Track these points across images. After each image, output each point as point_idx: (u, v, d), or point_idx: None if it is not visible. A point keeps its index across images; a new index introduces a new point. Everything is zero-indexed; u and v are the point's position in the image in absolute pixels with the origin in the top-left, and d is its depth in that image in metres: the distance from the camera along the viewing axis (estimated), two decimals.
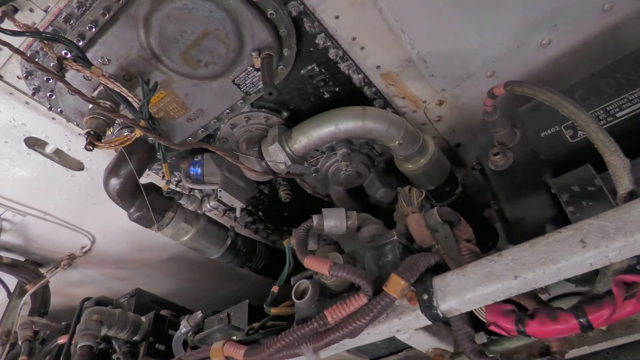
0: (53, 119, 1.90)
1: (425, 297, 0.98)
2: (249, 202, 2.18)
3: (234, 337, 1.29)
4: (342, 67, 1.75)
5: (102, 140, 1.48)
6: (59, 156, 2.11)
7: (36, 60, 1.61)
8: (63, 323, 2.48)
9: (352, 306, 1.02)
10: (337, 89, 1.83)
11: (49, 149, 2.08)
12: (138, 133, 1.44)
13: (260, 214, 2.47)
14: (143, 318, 2.12)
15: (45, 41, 1.37)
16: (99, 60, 1.54)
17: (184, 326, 1.62)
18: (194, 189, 1.99)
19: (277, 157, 1.72)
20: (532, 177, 1.32)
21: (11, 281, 2.71)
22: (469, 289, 0.95)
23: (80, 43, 1.52)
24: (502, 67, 1.81)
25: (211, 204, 1.90)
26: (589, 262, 0.84)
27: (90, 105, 1.49)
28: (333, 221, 1.28)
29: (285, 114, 1.90)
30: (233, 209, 1.97)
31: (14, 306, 2.53)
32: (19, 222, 2.43)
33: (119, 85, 1.34)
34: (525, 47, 1.74)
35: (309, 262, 1.11)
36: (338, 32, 1.64)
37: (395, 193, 2.05)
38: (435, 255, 1.08)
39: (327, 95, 1.85)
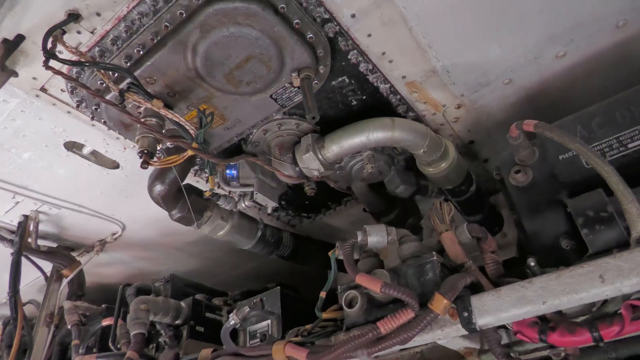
0: (93, 125, 2.00)
1: (465, 314, 1.18)
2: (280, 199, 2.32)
3: (295, 338, 1.48)
4: (371, 79, 1.85)
5: (156, 159, 1.60)
6: (95, 156, 2.21)
7: (80, 79, 1.70)
8: (103, 305, 2.68)
9: (401, 319, 1.21)
10: (364, 97, 1.95)
11: (86, 150, 2.18)
12: (190, 153, 1.56)
13: (282, 202, 2.62)
14: (182, 303, 2.32)
15: (102, 71, 1.45)
16: (147, 79, 1.62)
17: (233, 319, 1.81)
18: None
19: (311, 164, 1.86)
20: (549, 195, 1.49)
21: (45, 265, 2.87)
22: (503, 310, 1.14)
23: (128, 64, 1.61)
24: (518, 76, 1.94)
25: (246, 203, 2.05)
26: (605, 293, 1.03)
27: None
28: (376, 237, 1.45)
29: None
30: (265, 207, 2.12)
31: (53, 290, 2.71)
32: (55, 214, 2.56)
33: (177, 116, 1.44)
34: (541, 58, 1.86)
35: (360, 279, 1.29)
36: (369, 48, 1.74)
37: (413, 189, 2.22)
38: (471, 275, 1.26)
39: (354, 103, 1.97)
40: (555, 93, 2.03)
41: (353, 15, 1.60)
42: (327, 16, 1.58)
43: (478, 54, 1.82)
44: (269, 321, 2.14)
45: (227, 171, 1.98)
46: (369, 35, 1.68)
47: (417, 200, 2.51)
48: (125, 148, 2.15)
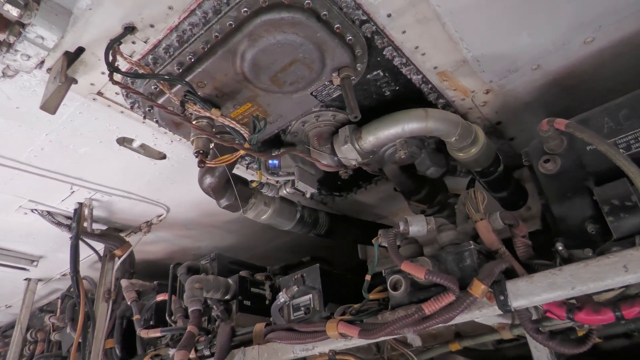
0: (143, 122, 2.14)
1: (502, 298, 1.34)
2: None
3: (344, 317, 1.67)
4: (404, 71, 1.94)
5: (210, 157, 1.75)
6: (144, 149, 2.37)
7: (134, 83, 1.83)
8: (155, 282, 2.93)
9: (443, 302, 1.38)
10: (397, 88, 2.04)
11: (136, 144, 2.34)
12: (242, 153, 1.70)
13: (317, 183, 2.77)
14: (230, 280, 2.53)
15: (162, 82, 1.58)
16: (198, 84, 1.75)
17: (283, 297, 2.01)
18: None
19: (349, 155, 2.00)
20: (576, 182, 1.60)
21: (96, 245, 3.10)
22: (535, 294, 1.29)
23: (180, 70, 1.73)
24: (547, 62, 2.00)
25: (287, 190, 2.21)
26: (629, 281, 1.17)
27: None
28: (417, 227, 1.60)
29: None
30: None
31: (108, 268, 2.96)
32: (106, 201, 2.76)
33: (234, 122, 1.57)
34: (570, 44, 1.92)
35: (406, 267, 1.44)
36: (403, 44, 1.82)
37: (443, 170, 2.34)
38: (506, 262, 1.41)
39: (387, 93, 2.07)
40: (581, 76, 2.10)
41: (389, 15, 1.68)
42: (364, 17, 1.67)
43: (508, 43, 1.89)
44: (310, 295, 2.33)
45: (270, 162, 2.13)
46: (404, 32, 1.76)
47: (444, 178, 2.63)
48: (172, 141, 2.30)
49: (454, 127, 1.94)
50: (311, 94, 1.88)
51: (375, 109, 2.10)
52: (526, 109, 2.31)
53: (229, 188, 2.11)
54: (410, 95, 2.08)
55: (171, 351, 2.43)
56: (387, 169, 2.43)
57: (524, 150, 1.88)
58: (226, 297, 2.49)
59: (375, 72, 1.94)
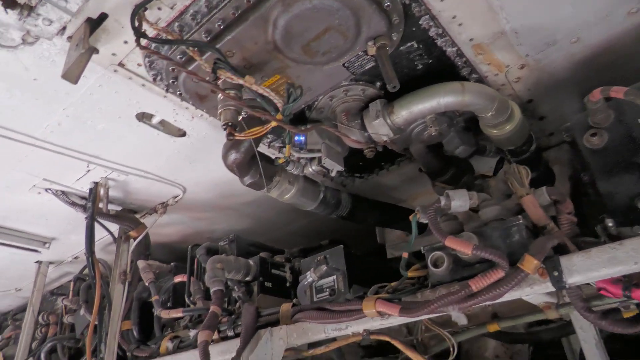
0: (165, 97, 2.06)
1: (556, 274, 1.27)
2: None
3: (383, 295, 1.60)
4: (439, 42, 1.86)
5: (238, 130, 1.68)
6: (164, 126, 2.30)
7: (160, 51, 1.75)
8: (172, 264, 2.87)
9: (492, 278, 1.31)
10: (430, 61, 1.96)
11: (155, 120, 2.26)
12: (273, 124, 1.62)
13: None
14: (251, 261, 2.47)
15: (191, 48, 1.50)
16: (226, 53, 1.66)
17: (310, 276, 1.95)
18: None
19: (380, 130, 1.92)
20: (625, 157, 1.53)
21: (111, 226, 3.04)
22: (593, 270, 1.23)
23: (207, 38, 1.65)
24: (587, 34, 1.92)
25: (313, 168, 2.13)
26: None
27: (220, 96, 1.65)
28: (459, 202, 1.53)
29: (379, 84, 2.05)
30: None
31: (123, 250, 2.90)
32: (122, 180, 2.70)
33: (268, 91, 1.50)
34: (612, 15, 1.83)
35: (450, 242, 1.38)
36: (440, 13, 1.74)
37: (472, 149, 2.26)
38: (559, 237, 1.35)
39: (420, 67, 1.99)
40: (621, 50, 2.01)
41: None
42: None
43: (549, 13, 1.80)
44: (334, 277, 2.27)
45: (296, 138, 2.05)
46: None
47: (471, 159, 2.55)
48: (193, 117, 2.23)
49: (491, 102, 1.86)
50: (343, 65, 1.80)
51: (405, 84, 2.01)
52: (559, 86, 2.22)
53: (254, 165, 2.04)
54: (442, 69, 2.00)
55: (191, 332, 2.38)
56: (414, 148, 2.35)
57: (565, 126, 1.81)
58: (247, 279, 2.43)
59: (409, 44, 1.86)
